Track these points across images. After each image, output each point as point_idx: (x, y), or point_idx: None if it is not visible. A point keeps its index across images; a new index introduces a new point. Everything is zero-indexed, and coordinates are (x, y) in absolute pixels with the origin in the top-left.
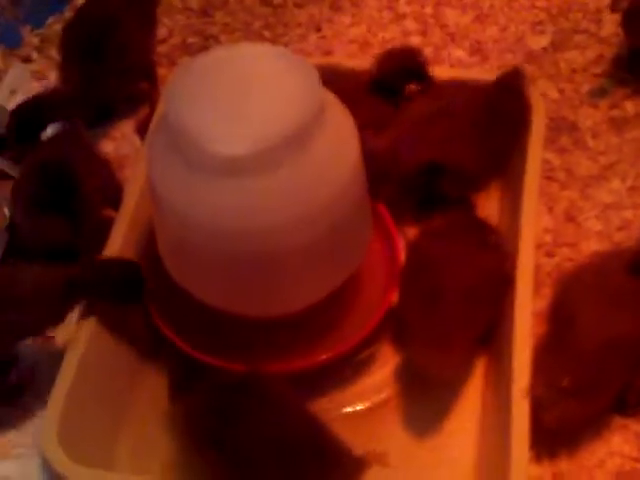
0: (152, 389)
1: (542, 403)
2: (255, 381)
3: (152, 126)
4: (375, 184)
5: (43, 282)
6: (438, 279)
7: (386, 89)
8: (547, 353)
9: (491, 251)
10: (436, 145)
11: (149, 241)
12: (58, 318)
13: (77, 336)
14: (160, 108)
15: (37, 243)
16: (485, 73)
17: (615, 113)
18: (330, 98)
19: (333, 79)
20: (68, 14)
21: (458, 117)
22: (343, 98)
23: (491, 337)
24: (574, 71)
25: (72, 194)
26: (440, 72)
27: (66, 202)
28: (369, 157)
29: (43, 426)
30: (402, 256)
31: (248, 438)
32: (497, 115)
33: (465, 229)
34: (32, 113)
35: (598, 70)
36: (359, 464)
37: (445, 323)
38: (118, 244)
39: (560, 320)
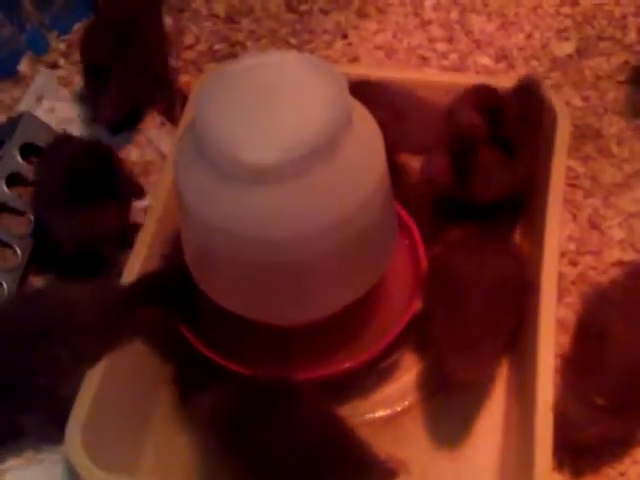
0: (176, 393)
1: (577, 423)
2: (281, 385)
3: (179, 133)
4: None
5: (101, 301)
6: (461, 288)
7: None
8: (577, 370)
9: (511, 259)
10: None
11: (175, 248)
12: (119, 337)
13: None
14: (187, 115)
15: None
16: (510, 80)
17: None
18: (357, 105)
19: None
20: None
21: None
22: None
23: (514, 344)
24: (599, 78)
25: (113, 179)
26: (466, 79)
27: (108, 188)
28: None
29: (67, 431)
30: (424, 259)
31: (273, 443)
32: (520, 124)
33: (483, 238)
34: None
35: (623, 77)
36: (387, 471)
37: (471, 331)
38: (144, 252)
39: (589, 337)
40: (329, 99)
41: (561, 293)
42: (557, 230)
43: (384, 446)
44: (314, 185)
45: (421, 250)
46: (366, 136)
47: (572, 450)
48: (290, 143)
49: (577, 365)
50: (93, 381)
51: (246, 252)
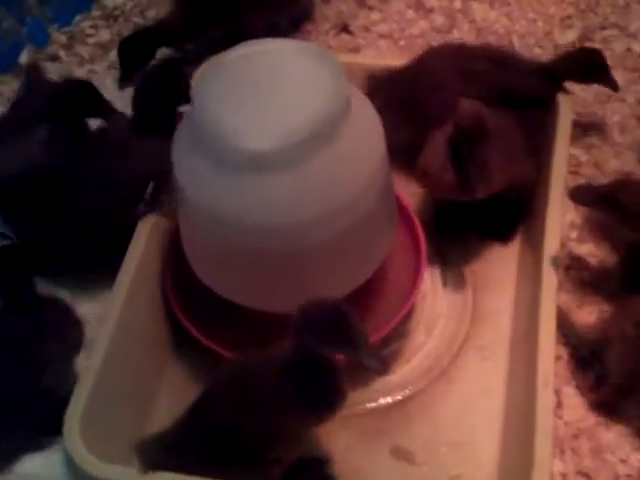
0: (176, 385)
1: None
2: None
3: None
4: None
5: None
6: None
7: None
8: None
9: None
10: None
11: (174, 238)
12: None
13: (100, 333)
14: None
15: None
16: None
17: None
18: (355, 92)
19: None
20: (95, 12)
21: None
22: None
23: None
24: None
25: None
26: None
27: None
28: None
29: (65, 422)
30: (424, 246)
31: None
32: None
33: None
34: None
35: (626, 64)
36: None
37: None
38: (143, 240)
39: None
40: (327, 86)
41: (561, 280)
42: (558, 217)
43: (387, 434)
44: (313, 172)
45: (418, 231)
46: (365, 123)
47: None
48: (288, 130)
49: None
50: (91, 372)
51: (246, 240)
